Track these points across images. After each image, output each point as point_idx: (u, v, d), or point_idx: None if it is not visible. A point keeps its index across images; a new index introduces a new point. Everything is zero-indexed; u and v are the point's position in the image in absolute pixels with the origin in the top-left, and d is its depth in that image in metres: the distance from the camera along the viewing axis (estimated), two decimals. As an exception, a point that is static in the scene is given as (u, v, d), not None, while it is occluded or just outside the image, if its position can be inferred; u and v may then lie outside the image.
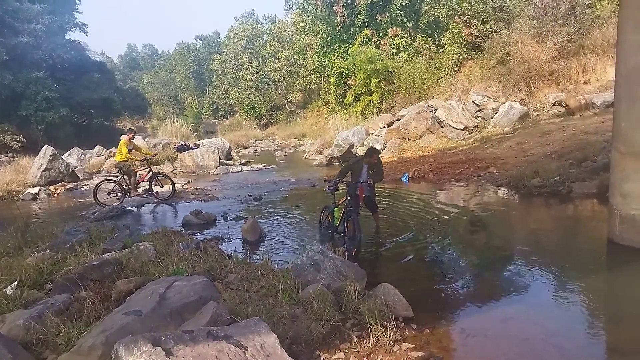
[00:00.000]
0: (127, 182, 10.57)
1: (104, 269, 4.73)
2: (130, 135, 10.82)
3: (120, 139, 10.81)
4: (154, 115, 50.50)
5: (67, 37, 31.54)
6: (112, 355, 2.57)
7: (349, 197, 6.12)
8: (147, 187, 10.96)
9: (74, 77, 29.34)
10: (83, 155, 19.09)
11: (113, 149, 19.67)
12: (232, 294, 3.95)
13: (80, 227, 7.20)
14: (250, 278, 4.48)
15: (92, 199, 10.31)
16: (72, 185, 14.39)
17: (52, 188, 13.70)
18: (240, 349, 2.61)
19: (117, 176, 10.86)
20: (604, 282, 4.80)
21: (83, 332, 3.43)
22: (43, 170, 14.16)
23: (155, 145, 19.16)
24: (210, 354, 2.49)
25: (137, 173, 10.94)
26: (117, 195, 10.48)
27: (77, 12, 32.48)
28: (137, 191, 10.75)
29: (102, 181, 11.13)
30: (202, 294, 3.77)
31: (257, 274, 4.56)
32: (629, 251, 5.20)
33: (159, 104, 53.28)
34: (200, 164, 16.83)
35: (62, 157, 16.33)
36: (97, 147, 20.03)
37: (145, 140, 20.40)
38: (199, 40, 57.05)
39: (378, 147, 15.47)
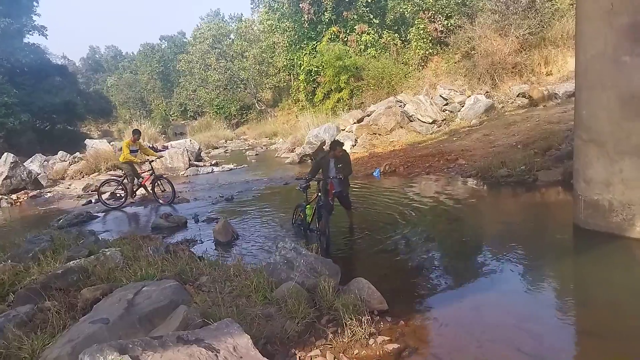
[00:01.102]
0: (130, 183, 10.24)
1: (68, 277, 4.56)
2: (134, 137, 10.33)
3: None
4: (120, 118, 49.26)
5: (25, 40, 30.40)
6: (77, 366, 2.46)
7: (319, 194, 6.13)
8: (150, 189, 10.50)
9: (34, 82, 28.29)
10: (46, 162, 18.40)
11: (77, 154, 19.09)
12: (204, 297, 3.87)
13: (43, 235, 6.92)
14: (222, 279, 4.41)
15: (97, 196, 10.32)
16: (35, 192, 13.86)
17: (14, 196, 13.22)
18: (212, 352, 2.54)
19: (120, 176, 10.49)
20: (572, 266, 4.94)
21: (48, 344, 3.30)
22: (4, 179, 13.63)
23: (121, 149, 18.65)
24: (180, 359, 2.41)
25: (140, 175, 10.48)
26: (119, 195, 10.29)
27: (35, 14, 31.14)
28: (137, 194, 10.44)
29: (106, 180, 10.86)
30: (172, 298, 3.68)
31: (229, 274, 4.49)
32: (594, 235, 5.37)
33: (125, 106, 51.93)
34: (170, 166, 16.48)
35: (24, 164, 15.76)
36: (61, 153, 19.33)
37: (111, 144, 19.87)
38: (164, 41, 55.90)
39: (348, 142, 15.54)
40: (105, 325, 3.34)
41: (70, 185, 15.28)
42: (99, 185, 10.80)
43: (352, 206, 6.98)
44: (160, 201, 10.11)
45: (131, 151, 10.14)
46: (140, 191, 10.81)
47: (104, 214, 9.93)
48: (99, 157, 17.55)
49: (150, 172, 10.44)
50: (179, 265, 4.71)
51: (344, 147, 6.72)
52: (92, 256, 5.09)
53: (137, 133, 10.50)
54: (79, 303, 4.04)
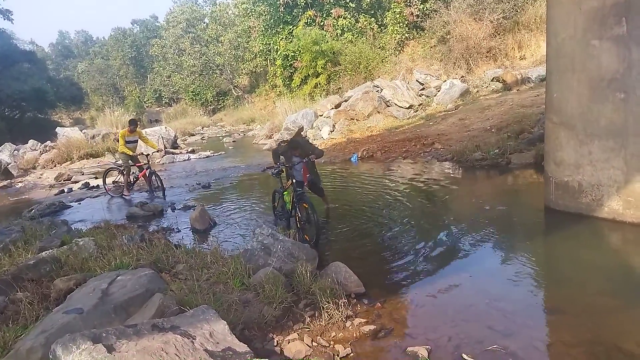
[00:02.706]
0: (127, 175, 9.74)
1: (40, 267, 4.49)
2: (131, 127, 9.71)
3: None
4: (92, 105, 47.94)
5: (-11, 25, 29.16)
6: (50, 356, 2.43)
7: (294, 181, 5.82)
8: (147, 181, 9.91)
9: (1, 69, 27.33)
10: (16, 151, 17.88)
11: (48, 142, 18.58)
12: (180, 285, 3.84)
13: (14, 226, 6.76)
14: (199, 267, 4.38)
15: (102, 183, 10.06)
16: (5, 183, 13.49)
17: (-17, 187, 12.80)
18: (188, 338, 2.54)
19: (121, 165, 10.01)
20: (542, 246, 5.07)
21: (20, 335, 3.25)
22: (-28, 169, 13.16)
23: (94, 137, 18.28)
24: (155, 346, 2.40)
25: (137, 168, 9.87)
26: (120, 184, 9.92)
27: (-2, -3, 29.85)
28: (133, 188, 9.95)
29: (110, 168, 10.37)
30: (148, 286, 3.65)
31: (206, 262, 4.46)
32: (565, 216, 5.53)
33: (97, 93, 50.49)
34: (144, 154, 16.15)
35: (-7, 153, 15.26)
36: (31, 142, 18.82)
37: (83, 132, 19.39)
38: (135, 25, 54.24)
39: (327, 128, 15.52)
40: (80, 315, 3.30)
41: (42, 174, 14.90)
42: (103, 173, 10.42)
43: (324, 192, 6.82)
44: (155, 194, 9.61)
45: (128, 142, 9.59)
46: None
47: (77, 202, 9.73)
48: (71, 145, 17.15)
49: (147, 165, 9.76)
50: (154, 253, 4.66)
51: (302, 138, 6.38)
52: (65, 246, 5.00)
53: (133, 123, 9.89)
54: (52, 294, 3.98)
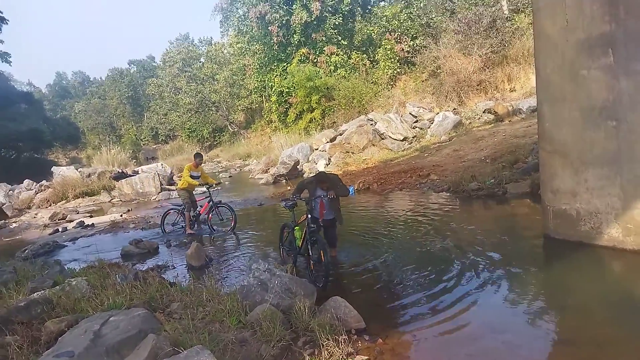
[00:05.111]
0: (188, 212, 9.11)
1: (32, 309, 4.35)
2: (197, 161, 9.22)
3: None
4: (89, 144, 48.22)
5: (-12, 68, 29.64)
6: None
7: (309, 215, 5.39)
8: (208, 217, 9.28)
9: (-1, 110, 27.55)
10: (11, 191, 17.82)
11: (44, 182, 18.52)
12: (174, 324, 3.72)
13: (5, 267, 6.61)
14: (194, 305, 4.26)
15: (159, 226, 9.49)
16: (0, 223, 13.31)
17: (-24, 228, 12.62)
18: (183, 381, 2.42)
19: (180, 205, 9.42)
20: (545, 276, 4.98)
21: (8, 383, 3.11)
22: (-34, 210, 13.02)
23: (89, 175, 18.24)
24: (148, 390, 2.29)
25: (198, 204, 9.35)
26: (180, 225, 9.29)
27: (-2, 41, 30.46)
28: (193, 228, 9.14)
29: (168, 210, 9.72)
30: (141, 327, 3.54)
31: (202, 300, 4.35)
32: (565, 244, 5.47)
33: (94, 132, 50.92)
34: (140, 191, 16.14)
35: (-12, 194, 15.16)
36: (27, 181, 18.78)
37: (79, 170, 19.37)
38: (132, 65, 55.45)
39: (322, 161, 15.61)
40: (70, 358, 3.17)
41: (36, 214, 14.78)
42: (162, 215, 9.72)
43: (336, 244, 6.10)
44: (215, 228, 8.99)
45: (192, 177, 9.14)
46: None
47: (71, 242, 9.58)
48: (67, 184, 17.10)
49: (209, 199, 9.19)
50: (148, 292, 4.54)
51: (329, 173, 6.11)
52: (58, 287, 4.87)
53: (199, 157, 9.36)
54: (43, 336, 3.84)
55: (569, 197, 5.48)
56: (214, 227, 9.02)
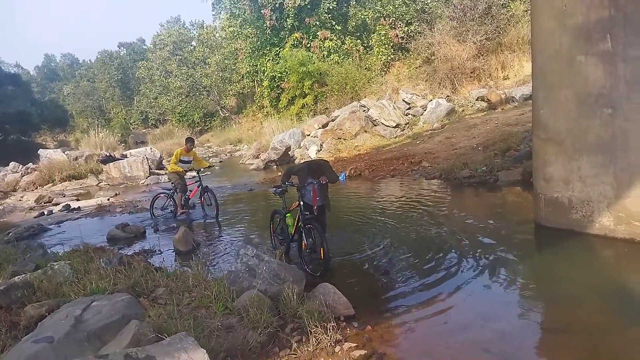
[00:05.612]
0: (179, 195, 8.97)
1: (11, 293, 4.24)
2: (187, 146, 9.09)
3: None
4: (77, 127, 47.41)
5: (-26, 49, 28.92)
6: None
7: (302, 203, 5.27)
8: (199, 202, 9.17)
9: (-15, 92, 26.95)
10: (-4, 174, 17.49)
11: (30, 164, 18.19)
12: (159, 310, 3.62)
13: (-13, 250, 6.45)
14: (180, 290, 4.17)
15: (149, 211, 9.29)
16: (-17, 206, 13.05)
17: (-41, 211, 12.35)
18: (164, 369, 2.33)
19: (169, 189, 9.27)
20: (536, 264, 4.95)
21: (-16, 369, 3.00)
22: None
23: (77, 158, 17.95)
24: (127, 379, 2.20)
25: (187, 188, 9.16)
26: (169, 210, 9.14)
27: (-17, 22, 29.69)
28: (185, 209, 9.10)
29: (158, 194, 9.56)
30: (124, 312, 3.44)
31: (188, 285, 4.25)
32: (556, 232, 5.43)
33: (82, 115, 50.00)
34: (129, 175, 15.93)
35: (-28, 176, 14.86)
36: (13, 164, 18.47)
37: (66, 153, 19.05)
38: (122, 48, 54.34)
39: (314, 147, 15.48)
40: (50, 344, 3.08)
41: (22, 197, 14.53)
42: (151, 199, 9.57)
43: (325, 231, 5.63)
44: (207, 213, 8.84)
45: (182, 161, 9.01)
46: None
47: (57, 225, 9.41)
48: (53, 167, 16.82)
49: (198, 183, 9.06)
50: (133, 277, 4.42)
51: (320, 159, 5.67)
52: (39, 270, 4.74)
53: (190, 141, 9.24)
54: (22, 321, 3.74)
55: (562, 185, 5.43)
56: (207, 212, 8.86)
